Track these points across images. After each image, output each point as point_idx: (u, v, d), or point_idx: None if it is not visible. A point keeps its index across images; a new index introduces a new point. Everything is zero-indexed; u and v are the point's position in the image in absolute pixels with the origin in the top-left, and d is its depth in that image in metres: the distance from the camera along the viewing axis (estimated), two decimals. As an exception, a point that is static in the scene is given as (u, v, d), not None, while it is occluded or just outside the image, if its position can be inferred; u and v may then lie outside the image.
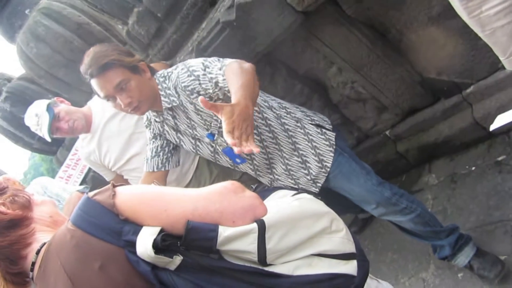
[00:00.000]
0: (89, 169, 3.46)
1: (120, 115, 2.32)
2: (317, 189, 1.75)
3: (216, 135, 1.68)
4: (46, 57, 3.08)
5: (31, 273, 0.92)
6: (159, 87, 1.68)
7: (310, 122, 1.74)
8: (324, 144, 1.71)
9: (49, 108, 2.21)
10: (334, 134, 1.74)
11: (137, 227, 0.85)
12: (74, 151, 3.48)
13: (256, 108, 1.60)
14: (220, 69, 1.51)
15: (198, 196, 0.91)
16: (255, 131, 1.61)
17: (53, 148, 4.00)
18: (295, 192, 1.06)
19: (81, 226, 0.86)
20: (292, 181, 1.78)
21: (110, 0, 2.39)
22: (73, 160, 3.51)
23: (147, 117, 1.86)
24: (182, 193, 0.92)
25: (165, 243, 0.82)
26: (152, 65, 1.85)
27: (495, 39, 1.25)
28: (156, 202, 0.88)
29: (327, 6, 1.94)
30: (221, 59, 1.58)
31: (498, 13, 1.18)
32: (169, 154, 1.87)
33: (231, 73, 1.42)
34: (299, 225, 0.91)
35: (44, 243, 0.92)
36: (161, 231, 0.83)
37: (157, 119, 1.80)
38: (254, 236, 0.86)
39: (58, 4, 3.17)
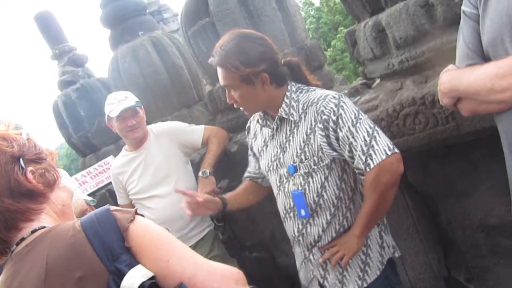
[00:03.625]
0: (104, 186, 3.49)
1: (167, 153, 2.38)
2: None
3: (297, 172, 1.59)
4: (131, 75, 3.29)
5: (15, 246, 0.90)
6: (287, 94, 1.61)
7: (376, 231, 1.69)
8: (378, 258, 1.66)
9: (138, 102, 2.38)
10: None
11: (134, 261, 0.84)
12: (103, 163, 3.54)
13: None
14: (364, 159, 1.45)
15: (203, 265, 0.89)
16: None
17: (87, 151, 4.10)
18: None
19: (87, 231, 0.85)
20: (320, 273, 1.67)
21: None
22: (97, 170, 3.55)
23: (249, 123, 1.89)
24: (190, 254, 0.91)
25: None
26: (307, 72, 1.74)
27: None
28: (163, 249, 0.87)
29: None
30: (369, 135, 1.46)
31: None
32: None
33: (370, 191, 1.50)
34: None
35: (44, 227, 0.91)
36: (153, 278, 0.82)
37: (260, 121, 1.75)
38: None
39: (167, 41, 3.45)
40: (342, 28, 18.10)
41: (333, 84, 2.64)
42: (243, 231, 2.92)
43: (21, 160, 0.93)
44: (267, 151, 1.72)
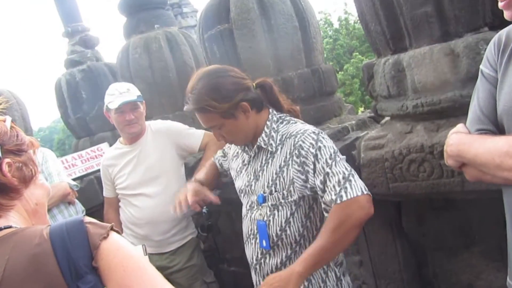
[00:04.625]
0: (93, 172, 3.42)
1: (162, 153, 2.33)
2: None
3: (265, 202, 1.57)
4: (139, 66, 3.23)
5: None
6: (268, 123, 1.60)
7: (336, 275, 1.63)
8: None
9: (139, 97, 2.33)
10: None
11: (100, 284, 0.77)
12: (97, 149, 3.47)
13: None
14: (336, 194, 1.38)
15: None
16: None
17: (82, 133, 4.03)
18: None
19: (54, 242, 0.78)
20: None
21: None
22: (88, 155, 3.48)
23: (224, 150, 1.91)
24: (161, 284, 0.83)
25: None
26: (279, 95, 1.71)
27: None
28: (133, 275, 0.80)
29: (390, 206, 1.92)
30: (344, 176, 1.41)
31: None
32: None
33: (330, 227, 1.41)
34: None
35: (10, 226, 0.84)
36: None
37: (238, 150, 1.76)
38: None
39: (182, 39, 3.40)
40: (357, 53, 18.16)
41: (342, 112, 2.60)
42: (226, 243, 2.86)
43: None
44: (241, 175, 1.71)
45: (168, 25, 3.52)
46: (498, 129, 1.10)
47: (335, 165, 1.42)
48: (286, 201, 1.53)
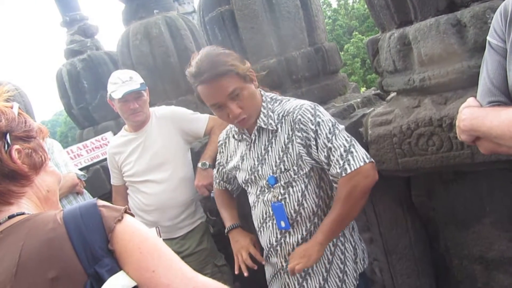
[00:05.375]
0: (99, 161, 3.43)
1: (167, 139, 2.32)
2: None
3: (278, 183, 1.56)
4: (140, 53, 3.20)
5: None
6: (264, 104, 1.60)
7: (351, 244, 1.67)
8: (353, 273, 1.64)
9: (143, 84, 2.31)
10: None
11: (117, 267, 0.76)
12: (101, 138, 3.47)
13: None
14: (341, 164, 1.44)
15: (191, 280, 0.80)
16: None
17: (86, 123, 4.03)
18: None
19: (69, 226, 0.77)
20: (295, 286, 1.62)
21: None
22: (93, 144, 3.48)
23: (225, 135, 1.81)
24: (179, 266, 0.82)
25: None
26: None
27: None
28: (150, 257, 0.79)
29: (399, 182, 1.91)
30: (347, 144, 1.46)
31: None
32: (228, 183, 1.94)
33: (341, 197, 1.48)
34: None
35: (23, 213, 0.83)
36: None
37: (236, 136, 1.70)
38: None
39: (182, 23, 3.36)
40: (356, 33, 17.99)
41: (346, 90, 2.58)
42: (234, 227, 2.86)
43: (7, 136, 0.84)
44: (243, 165, 1.68)
45: (167, 10, 3.47)
46: (510, 100, 1.09)
47: (335, 138, 1.46)
48: (299, 175, 1.54)
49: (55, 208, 0.94)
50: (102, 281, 0.73)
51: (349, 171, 1.43)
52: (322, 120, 1.50)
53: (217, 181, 1.96)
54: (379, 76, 2.01)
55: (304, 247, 1.53)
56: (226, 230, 1.89)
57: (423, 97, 1.69)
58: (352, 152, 1.45)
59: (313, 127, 1.49)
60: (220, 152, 1.86)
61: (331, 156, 1.46)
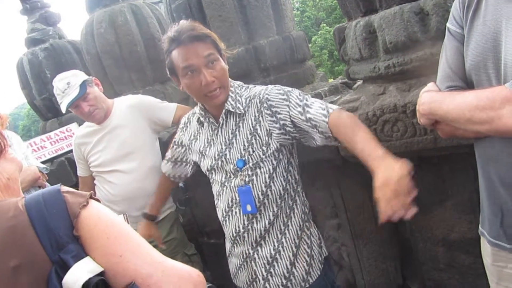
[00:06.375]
0: (64, 153, 3.34)
1: (135, 128, 2.28)
2: None
3: (246, 165, 1.56)
4: (106, 42, 3.12)
5: None
6: (232, 89, 1.62)
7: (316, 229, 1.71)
8: (319, 257, 1.65)
9: (83, 84, 2.20)
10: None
11: (82, 253, 0.74)
12: (66, 130, 3.38)
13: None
14: (324, 113, 1.44)
15: (160, 264, 0.80)
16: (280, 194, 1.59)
17: (49, 114, 3.91)
18: None
19: (31, 213, 0.75)
20: (262, 274, 1.62)
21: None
22: (57, 136, 3.39)
23: (187, 118, 1.85)
24: (147, 250, 0.81)
25: None
26: None
27: None
28: (117, 242, 0.78)
29: (365, 168, 1.95)
30: (322, 101, 1.53)
31: None
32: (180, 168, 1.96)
33: (350, 126, 1.40)
34: None
35: None
36: (101, 273, 0.73)
37: (201, 118, 1.70)
38: None
39: (148, 11, 3.29)
40: (324, 25, 18.14)
41: (314, 79, 2.60)
42: (204, 216, 2.86)
43: None
44: (209, 151, 1.68)
45: (132, -3, 3.40)
46: (467, 85, 1.13)
47: (308, 99, 1.52)
48: (266, 155, 1.55)
49: (17, 196, 0.91)
50: (67, 267, 0.71)
51: (331, 111, 1.45)
52: (291, 90, 1.56)
53: (166, 161, 2.00)
54: (346, 64, 2.03)
55: (386, 177, 1.22)
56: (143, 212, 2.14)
57: (388, 84, 1.73)
58: (328, 105, 1.49)
59: (283, 96, 1.53)
60: (179, 133, 1.86)
61: (309, 114, 1.46)
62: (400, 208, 1.16)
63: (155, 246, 2.30)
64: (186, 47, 1.49)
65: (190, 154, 1.83)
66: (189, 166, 1.92)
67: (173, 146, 1.92)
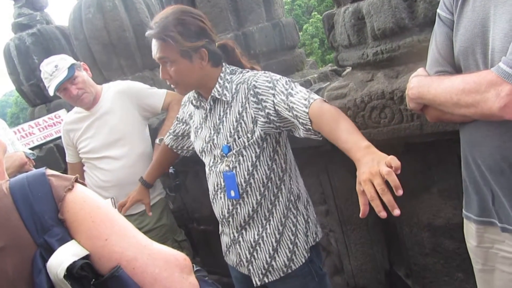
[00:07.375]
0: (52, 140, 3.32)
1: (124, 114, 2.27)
2: (259, 283, 1.65)
3: (231, 151, 1.58)
4: (94, 27, 3.09)
5: None
6: (221, 75, 1.61)
7: (304, 218, 1.69)
8: (304, 246, 1.65)
9: (71, 67, 2.18)
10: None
11: (68, 236, 0.74)
12: (54, 116, 3.35)
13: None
14: (305, 104, 1.40)
15: (145, 248, 0.80)
16: (263, 180, 1.59)
17: (37, 100, 3.87)
18: None
19: (15, 195, 0.74)
20: (246, 257, 1.66)
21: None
22: (46, 122, 3.36)
23: (187, 97, 1.86)
24: (133, 233, 0.81)
25: (81, 272, 0.70)
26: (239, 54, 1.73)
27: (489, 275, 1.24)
28: (103, 225, 0.77)
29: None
30: (307, 91, 1.48)
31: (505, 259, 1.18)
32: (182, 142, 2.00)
33: (333, 116, 1.35)
34: None
35: None
36: (86, 257, 0.73)
37: (194, 102, 1.72)
38: None
39: (137, -4, 3.26)
40: (315, 13, 18.07)
41: (303, 66, 2.60)
42: (194, 202, 2.87)
43: None
44: (201, 133, 1.71)
45: (121, -18, 3.35)
46: (455, 70, 1.15)
47: (294, 88, 1.49)
48: (250, 142, 1.55)
49: (1, 179, 0.91)
50: (52, 250, 0.71)
51: (312, 101, 1.40)
52: (278, 79, 1.54)
53: (168, 134, 2.04)
54: (335, 51, 2.04)
55: (367, 161, 1.20)
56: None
57: (376, 71, 1.73)
58: (311, 93, 1.46)
59: (270, 84, 1.51)
60: (181, 109, 1.91)
61: (292, 103, 1.43)
62: (381, 208, 1.15)
63: (145, 233, 2.33)
64: (153, 41, 1.54)
65: (190, 130, 1.87)
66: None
67: (175, 121, 1.98)
